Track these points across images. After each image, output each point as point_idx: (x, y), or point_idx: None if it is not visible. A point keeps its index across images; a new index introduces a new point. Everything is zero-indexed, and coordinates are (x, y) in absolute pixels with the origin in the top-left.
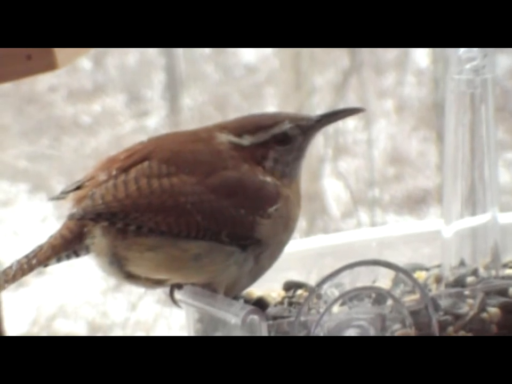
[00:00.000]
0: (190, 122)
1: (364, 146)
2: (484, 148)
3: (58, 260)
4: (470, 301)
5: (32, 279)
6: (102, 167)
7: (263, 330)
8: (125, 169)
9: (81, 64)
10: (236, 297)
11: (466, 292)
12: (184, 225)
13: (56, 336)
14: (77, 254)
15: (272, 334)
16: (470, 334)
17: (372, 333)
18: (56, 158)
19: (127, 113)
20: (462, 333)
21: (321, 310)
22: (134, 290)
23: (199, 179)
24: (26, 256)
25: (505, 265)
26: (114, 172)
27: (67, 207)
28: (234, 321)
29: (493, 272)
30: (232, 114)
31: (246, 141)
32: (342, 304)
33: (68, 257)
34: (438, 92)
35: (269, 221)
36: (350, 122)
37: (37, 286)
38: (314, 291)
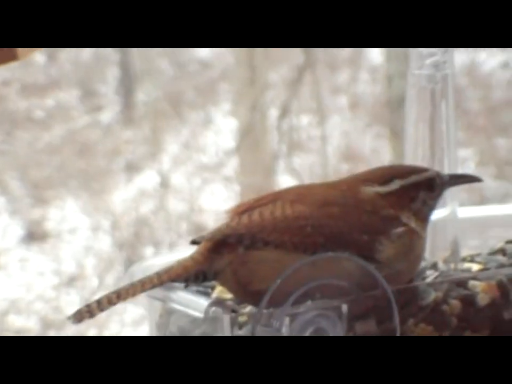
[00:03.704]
0: (143, 117)
1: (318, 143)
2: (444, 144)
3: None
4: (432, 293)
5: None
6: (234, 210)
7: (225, 323)
8: (251, 208)
9: (35, 58)
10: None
11: (428, 284)
12: (311, 244)
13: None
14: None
15: (235, 326)
16: (430, 327)
17: (335, 320)
18: (9, 152)
19: (80, 108)
20: (422, 326)
21: None
22: (87, 286)
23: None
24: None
25: (464, 259)
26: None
27: (22, 202)
28: (197, 313)
29: (452, 266)
30: (186, 110)
31: (395, 184)
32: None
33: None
34: (391, 89)
35: (392, 244)
36: (303, 119)
37: None
38: (276, 283)
